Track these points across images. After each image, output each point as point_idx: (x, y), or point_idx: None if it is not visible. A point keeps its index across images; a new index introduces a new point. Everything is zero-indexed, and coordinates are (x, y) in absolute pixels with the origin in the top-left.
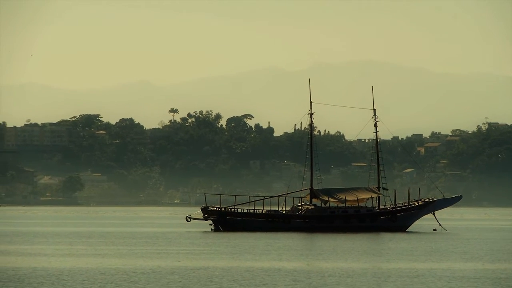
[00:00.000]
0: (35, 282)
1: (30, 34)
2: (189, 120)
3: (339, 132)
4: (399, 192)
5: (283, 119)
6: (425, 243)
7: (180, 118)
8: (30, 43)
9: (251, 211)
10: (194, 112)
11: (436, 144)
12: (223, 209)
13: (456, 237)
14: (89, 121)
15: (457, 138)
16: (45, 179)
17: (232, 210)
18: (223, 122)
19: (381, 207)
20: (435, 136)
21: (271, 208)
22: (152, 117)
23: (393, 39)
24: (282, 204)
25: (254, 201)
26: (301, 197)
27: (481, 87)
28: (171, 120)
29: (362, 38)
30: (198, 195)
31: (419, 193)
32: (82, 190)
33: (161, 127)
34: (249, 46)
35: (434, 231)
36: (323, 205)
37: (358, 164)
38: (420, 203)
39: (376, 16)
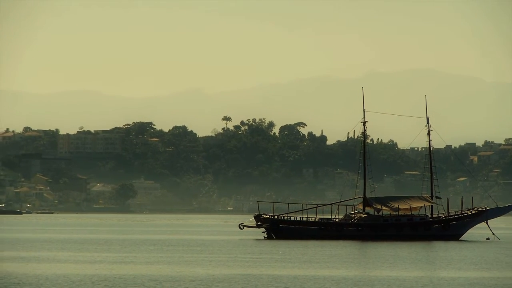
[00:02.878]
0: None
1: (88, 43)
2: (242, 128)
3: (392, 141)
4: (452, 201)
5: (336, 127)
6: (477, 252)
7: (233, 126)
8: (83, 51)
9: (304, 219)
10: (247, 120)
11: (489, 153)
12: (276, 217)
13: (509, 246)
14: (142, 129)
15: (510, 147)
16: (98, 187)
17: (285, 218)
18: (276, 130)
19: (434, 215)
20: (488, 145)
21: (324, 216)
22: (205, 125)
23: (447, 48)
24: (335, 212)
25: (307, 209)
26: (354, 206)
27: None
28: (224, 128)
29: (415, 47)
30: (251, 203)
31: (472, 202)
32: (135, 198)
33: (214, 135)
34: (303, 54)
35: (487, 240)
36: (376, 214)
37: (411, 172)
38: (473, 212)
39: (429, 25)
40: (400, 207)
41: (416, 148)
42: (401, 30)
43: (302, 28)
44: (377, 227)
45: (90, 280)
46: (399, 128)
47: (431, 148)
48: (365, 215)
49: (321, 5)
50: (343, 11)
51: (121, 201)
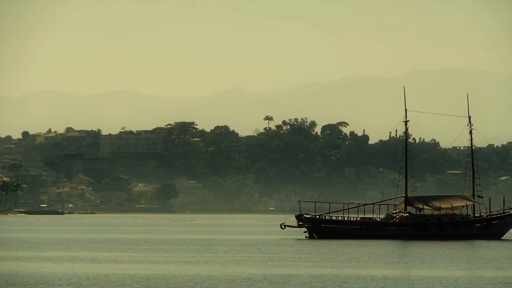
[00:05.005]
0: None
1: (131, 43)
2: (284, 128)
3: (434, 140)
4: (494, 200)
5: (378, 127)
6: None
7: (275, 126)
8: (126, 51)
9: (346, 218)
10: (289, 120)
11: None
12: (317, 216)
13: None
14: (184, 129)
15: None
16: (139, 187)
17: (327, 217)
18: (318, 130)
19: (476, 215)
20: None
21: (366, 216)
22: (246, 124)
23: (488, 47)
24: (377, 211)
25: (348, 208)
26: (396, 205)
27: None
28: (266, 127)
29: (457, 46)
30: (292, 202)
31: None
32: (176, 198)
33: (256, 135)
34: (344, 53)
35: None
36: (417, 213)
37: (453, 171)
38: None
39: (472, 24)
40: (441, 206)
41: (458, 147)
42: (442, 30)
43: (344, 29)
44: (418, 226)
45: (146, 278)
46: (441, 127)
47: (473, 147)
48: (407, 214)
49: (362, 7)
50: (383, 12)
51: (163, 201)
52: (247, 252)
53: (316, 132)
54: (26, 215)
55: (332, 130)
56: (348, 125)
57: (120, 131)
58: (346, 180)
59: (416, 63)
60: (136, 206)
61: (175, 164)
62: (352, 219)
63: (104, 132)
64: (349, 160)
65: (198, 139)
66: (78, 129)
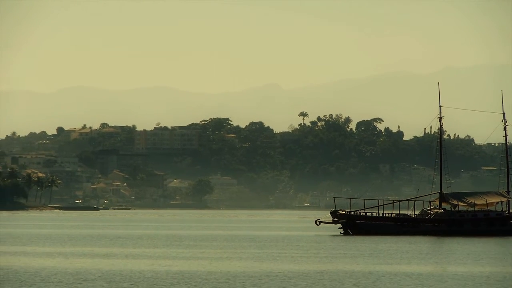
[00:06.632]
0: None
1: (167, 39)
2: (319, 124)
3: (469, 136)
4: None
5: (412, 123)
6: None
7: (310, 122)
8: (161, 47)
9: (380, 215)
10: (324, 116)
11: None
12: (352, 212)
13: None
14: (219, 125)
15: None
16: (174, 183)
17: (361, 213)
18: (352, 126)
19: (510, 211)
20: None
21: (400, 212)
22: (281, 120)
23: None
24: (411, 207)
25: (383, 204)
26: (431, 201)
27: None
28: (301, 123)
29: (491, 42)
30: (327, 198)
31: None
32: (211, 194)
33: (290, 131)
34: (378, 49)
35: None
36: (452, 209)
37: (488, 168)
38: None
39: (505, 20)
40: (476, 202)
41: (492, 144)
42: (476, 26)
43: (380, 24)
44: (453, 222)
45: (189, 275)
46: (476, 123)
47: (507, 144)
48: (442, 210)
49: (396, 3)
50: (417, 8)
51: (198, 197)
52: (280, 248)
53: (351, 128)
54: (62, 211)
55: (367, 126)
56: (383, 121)
57: (155, 127)
58: (381, 176)
59: (450, 59)
60: (171, 202)
61: (210, 160)
62: (387, 215)
63: (139, 128)
64: (384, 156)
65: (233, 135)
66: (113, 125)
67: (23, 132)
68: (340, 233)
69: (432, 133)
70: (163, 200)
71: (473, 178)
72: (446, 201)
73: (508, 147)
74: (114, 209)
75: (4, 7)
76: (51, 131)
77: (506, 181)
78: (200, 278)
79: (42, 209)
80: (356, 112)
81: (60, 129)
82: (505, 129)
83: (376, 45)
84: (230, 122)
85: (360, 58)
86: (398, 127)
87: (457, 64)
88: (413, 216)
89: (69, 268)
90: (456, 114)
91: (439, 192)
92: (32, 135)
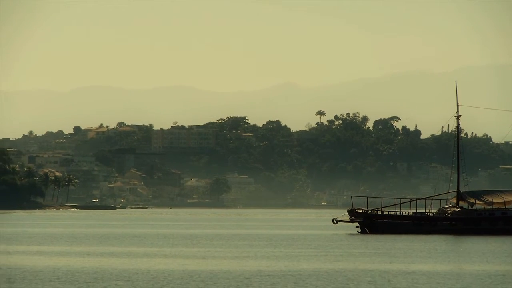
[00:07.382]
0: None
1: (182, 38)
2: (336, 123)
3: (486, 135)
4: None
5: (430, 122)
6: None
7: (327, 121)
8: (177, 47)
9: (398, 213)
10: (341, 115)
11: None
12: (369, 211)
13: None
14: (236, 124)
15: None
16: (191, 181)
17: (379, 212)
18: (370, 125)
19: None
20: None
21: (418, 211)
22: (298, 119)
23: None
24: (429, 206)
25: (400, 203)
26: (448, 200)
27: None
28: (318, 122)
29: (508, 41)
30: (345, 197)
31: None
32: (228, 192)
33: (308, 130)
34: (395, 48)
35: None
36: (470, 208)
37: (506, 166)
38: None
39: None
40: (494, 201)
41: (510, 142)
42: (494, 25)
43: (396, 23)
44: (470, 221)
45: (206, 274)
46: (494, 122)
47: None
48: (459, 209)
49: (413, 3)
50: (435, 8)
51: (215, 196)
52: (298, 247)
53: (368, 127)
54: (79, 210)
55: (384, 125)
56: (400, 120)
57: (172, 126)
58: (398, 175)
59: (467, 58)
60: (188, 201)
61: (227, 159)
62: (404, 214)
63: (156, 127)
64: (401, 155)
65: (250, 134)
66: (129, 124)
67: (40, 131)
68: (358, 231)
69: (450, 131)
70: (180, 199)
71: (490, 176)
72: (464, 200)
73: None
74: (131, 208)
75: (22, 7)
76: (68, 130)
77: None
78: (217, 277)
79: (59, 208)
80: (373, 111)
81: (77, 128)
82: None
83: (393, 44)
84: (247, 121)
85: (377, 57)
86: (416, 125)
87: (474, 63)
88: (431, 214)
89: (86, 267)
90: (473, 112)
91: (456, 191)
92: (49, 134)
